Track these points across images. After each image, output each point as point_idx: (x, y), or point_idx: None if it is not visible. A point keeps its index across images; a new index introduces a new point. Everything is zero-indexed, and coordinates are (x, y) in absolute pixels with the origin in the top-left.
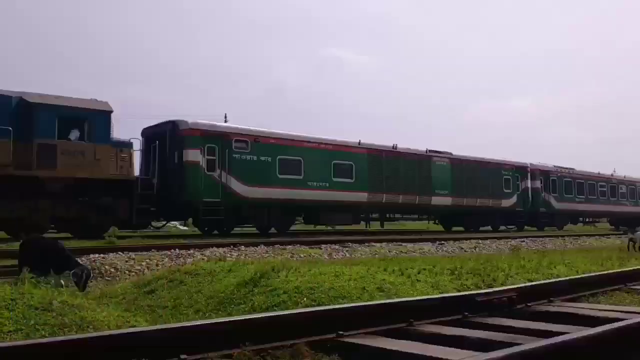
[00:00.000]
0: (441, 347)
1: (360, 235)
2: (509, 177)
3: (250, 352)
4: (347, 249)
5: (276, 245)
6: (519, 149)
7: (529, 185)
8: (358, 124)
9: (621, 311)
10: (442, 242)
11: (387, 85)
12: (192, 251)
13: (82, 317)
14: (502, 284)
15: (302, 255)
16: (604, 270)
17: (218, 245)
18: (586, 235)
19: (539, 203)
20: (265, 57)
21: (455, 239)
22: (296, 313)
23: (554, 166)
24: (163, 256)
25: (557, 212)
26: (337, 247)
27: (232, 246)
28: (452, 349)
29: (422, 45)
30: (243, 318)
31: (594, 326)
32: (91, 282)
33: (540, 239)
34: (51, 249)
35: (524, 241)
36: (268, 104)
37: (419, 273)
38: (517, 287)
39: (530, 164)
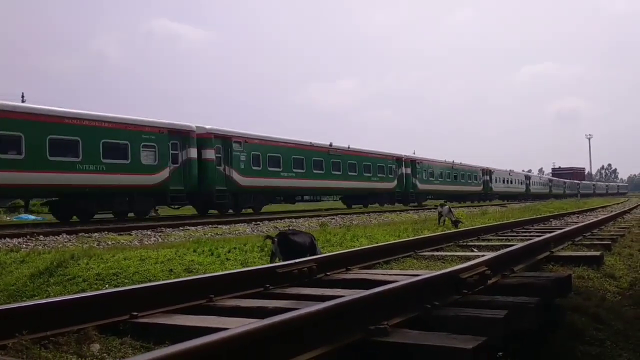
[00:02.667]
0: (236, 318)
1: (174, 220)
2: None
3: (29, 341)
4: (159, 234)
5: (80, 234)
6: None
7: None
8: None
9: (405, 274)
10: (258, 222)
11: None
12: None
13: None
14: None
15: (109, 243)
16: (398, 240)
17: (12, 236)
18: (389, 211)
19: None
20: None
21: (270, 219)
22: (83, 297)
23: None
24: None
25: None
26: (149, 232)
27: (28, 236)
28: (244, 319)
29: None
30: (18, 306)
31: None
32: None
33: (348, 215)
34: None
35: (333, 218)
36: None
37: (229, 252)
38: (317, 258)
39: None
